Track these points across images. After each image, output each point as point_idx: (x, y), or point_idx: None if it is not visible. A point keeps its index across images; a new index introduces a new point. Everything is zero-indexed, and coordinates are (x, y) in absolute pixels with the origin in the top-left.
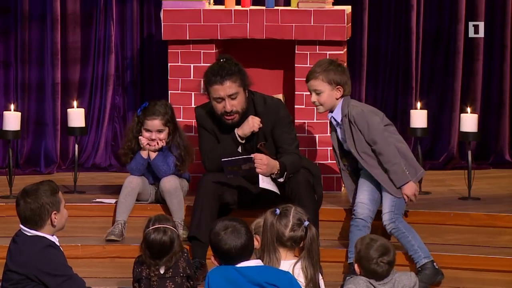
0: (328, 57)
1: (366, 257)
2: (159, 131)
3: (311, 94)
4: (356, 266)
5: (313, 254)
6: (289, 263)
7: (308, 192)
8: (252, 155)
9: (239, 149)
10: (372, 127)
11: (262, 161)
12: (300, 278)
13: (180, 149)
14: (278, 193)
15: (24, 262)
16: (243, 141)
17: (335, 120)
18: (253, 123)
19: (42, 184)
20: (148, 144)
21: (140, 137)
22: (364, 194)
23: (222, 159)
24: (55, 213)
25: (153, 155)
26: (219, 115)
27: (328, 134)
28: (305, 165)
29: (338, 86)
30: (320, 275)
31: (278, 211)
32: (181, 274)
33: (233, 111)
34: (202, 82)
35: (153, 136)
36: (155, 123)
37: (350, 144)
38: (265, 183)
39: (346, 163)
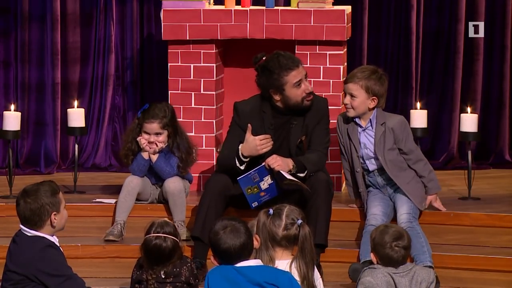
0: (328, 57)
1: (381, 242)
2: (157, 134)
3: (345, 95)
4: (372, 255)
5: (306, 252)
6: (285, 263)
7: (325, 191)
8: (263, 163)
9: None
10: (411, 137)
11: (274, 158)
12: (296, 277)
13: (181, 151)
14: (306, 187)
15: (24, 263)
16: (247, 159)
17: (360, 125)
18: (260, 148)
19: (42, 184)
20: (147, 145)
21: (139, 138)
22: (377, 208)
23: (237, 178)
24: (55, 214)
25: (154, 157)
26: (298, 101)
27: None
28: (324, 170)
29: (374, 97)
30: (318, 274)
31: (271, 211)
32: (182, 282)
33: (312, 91)
34: (269, 75)
35: (151, 138)
36: (153, 126)
37: (379, 149)
38: (290, 176)
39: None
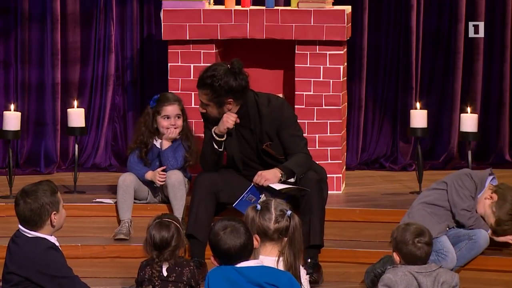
0: (328, 57)
1: (403, 240)
2: (178, 116)
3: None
4: (394, 254)
5: (295, 242)
6: (271, 259)
7: (317, 191)
8: (252, 183)
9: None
10: None
11: (259, 176)
12: (281, 267)
13: (189, 141)
14: (299, 186)
15: (25, 264)
16: (222, 139)
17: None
18: (226, 120)
19: (41, 184)
20: (169, 131)
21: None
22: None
23: (233, 205)
24: (54, 213)
25: (166, 144)
26: None
27: (328, 134)
28: (313, 167)
29: None
30: (304, 271)
31: (259, 206)
32: (184, 283)
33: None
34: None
35: (172, 121)
36: (175, 107)
37: None
38: (280, 186)
39: None
